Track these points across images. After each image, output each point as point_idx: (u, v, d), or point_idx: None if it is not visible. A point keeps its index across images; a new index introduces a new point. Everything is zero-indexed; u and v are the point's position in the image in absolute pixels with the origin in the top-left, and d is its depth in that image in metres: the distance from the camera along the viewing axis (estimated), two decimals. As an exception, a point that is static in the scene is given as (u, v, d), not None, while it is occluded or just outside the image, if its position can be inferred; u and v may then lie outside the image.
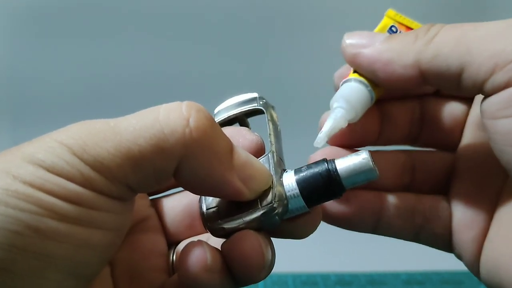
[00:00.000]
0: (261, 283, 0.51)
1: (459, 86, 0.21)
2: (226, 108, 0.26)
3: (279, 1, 0.59)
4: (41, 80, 0.62)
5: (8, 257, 0.16)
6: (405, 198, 0.26)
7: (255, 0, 0.59)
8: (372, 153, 0.21)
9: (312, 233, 0.23)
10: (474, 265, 0.25)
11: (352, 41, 0.24)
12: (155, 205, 0.26)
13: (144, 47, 0.61)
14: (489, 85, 0.20)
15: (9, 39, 0.61)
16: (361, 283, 0.51)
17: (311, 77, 0.60)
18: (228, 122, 0.26)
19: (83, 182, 0.17)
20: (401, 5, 0.27)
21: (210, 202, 0.22)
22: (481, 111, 0.21)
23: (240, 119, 0.26)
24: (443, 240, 0.26)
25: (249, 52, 0.60)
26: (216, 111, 0.27)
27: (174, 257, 0.24)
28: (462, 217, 0.25)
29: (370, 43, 0.23)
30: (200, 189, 0.21)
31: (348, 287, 0.50)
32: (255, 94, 0.26)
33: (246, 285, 0.21)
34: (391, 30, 0.26)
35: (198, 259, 0.19)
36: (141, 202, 0.25)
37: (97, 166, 0.17)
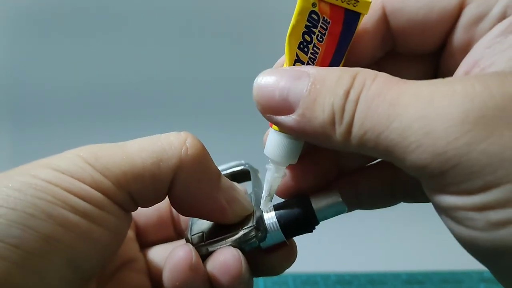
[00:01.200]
0: (261, 283, 0.51)
1: None
2: None
3: (277, 2, 0.59)
4: (41, 81, 0.62)
5: (21, 236, 0.18)
6: (382, 177, 0.26)
7: (255, 2, 0.60)
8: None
9: (287, 267, 0.25)
10: None
11: (263, 98, 0.21)
12: (144, 252, 0.28)
13: (145, 50, 0.61)
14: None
15: (9, 41, 0.61)
16: (361, 283, 0.51)
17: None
18: None
19: (93, 184, 0.20)
20: None
21: (196, 229, 0.25)
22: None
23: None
24: (426, 200, 0.26)
25: (249, 55, 0.60)
26: None
27: None
28: None
29: (285, 107, 0.20)
30: (189, 205, 0.23)
31: (348, 287, 0.50)
32: (242, 161, 0.30)
33: None
34: (312, 18, 0.21)
35: (184, 256, 0.22)
36: (132, 245, 0.27)
37: (105, 172, 0.20)
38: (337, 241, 0.57)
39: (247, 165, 0.29)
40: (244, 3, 0.60)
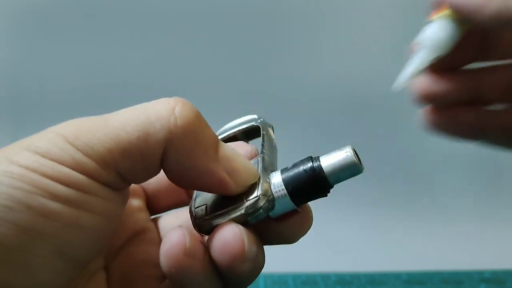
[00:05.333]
0: (261, 283, 0.50)
1: None
2: (226, 128, 0.27)
3: (279, 1, 0.59)
4: (41, 80, 0.62)
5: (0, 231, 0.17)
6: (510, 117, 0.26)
7: (256, 1, 0.59)
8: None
9: (302, 236, 0.22)
10: None
11: None
12: (155, 221, 0.26)
13: (144, 47, 0.61)
14: None
15: (9, 39, 0.61)
16: (361, 283, 0.51)
17: (312, 81, 0.60)
18: (228, 140, 0.26)
19: (75, 166, 0.18)
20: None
21: (199, 201, 0.23)
22: None
23: (240, 138, 0.26)
24: None
25: (251, 53, 0.60)
26: (217, 133, 0.27)
27: None
28: None
29: None
30: (185, 180, 0.21)
31: (348, 287, 0.50)
32: (255, 116, 0.26)
33: (233, 282, 0.21)
34: None
35: (177, 241, 0.20)
36: (141, 215, 0.25)
37: (88, 151, 0.18)
38: (337, 241, 0.57)
39: (259, 121, 0.26)
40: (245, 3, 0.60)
